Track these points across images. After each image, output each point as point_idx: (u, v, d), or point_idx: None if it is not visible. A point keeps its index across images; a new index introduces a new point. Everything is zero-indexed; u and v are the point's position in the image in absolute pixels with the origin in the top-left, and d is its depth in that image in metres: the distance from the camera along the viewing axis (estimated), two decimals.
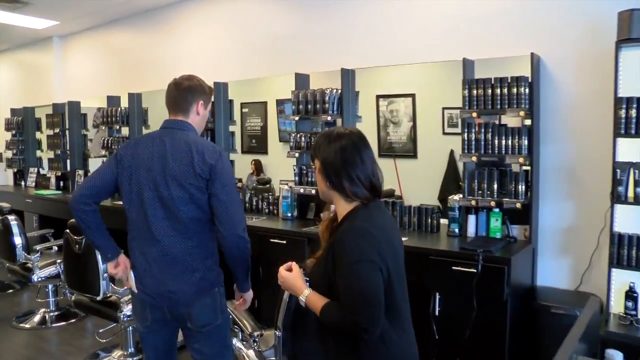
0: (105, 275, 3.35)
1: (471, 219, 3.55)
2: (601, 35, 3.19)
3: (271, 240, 3.87)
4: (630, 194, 2.91)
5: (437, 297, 3.19)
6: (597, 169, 3.28)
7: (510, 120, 3.52)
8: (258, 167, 6.16)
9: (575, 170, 3.42)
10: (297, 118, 4.21)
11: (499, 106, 3.36)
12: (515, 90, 3.29)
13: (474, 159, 3.45)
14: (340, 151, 1.68)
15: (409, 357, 1.77)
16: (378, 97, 5.46)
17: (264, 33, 4.92)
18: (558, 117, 3.44)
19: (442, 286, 3.18)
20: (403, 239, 3.43)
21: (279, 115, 6.30)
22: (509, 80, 3.31)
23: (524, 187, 3.33)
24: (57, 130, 6.69)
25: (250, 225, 4.07)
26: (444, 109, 5.45)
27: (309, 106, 4.12)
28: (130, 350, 3.73)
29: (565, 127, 3.44)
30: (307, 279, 1.78)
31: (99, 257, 3.37)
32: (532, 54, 3.30)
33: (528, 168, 3.37)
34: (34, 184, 7.12)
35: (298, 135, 4.23)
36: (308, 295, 1.69)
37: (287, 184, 4.38)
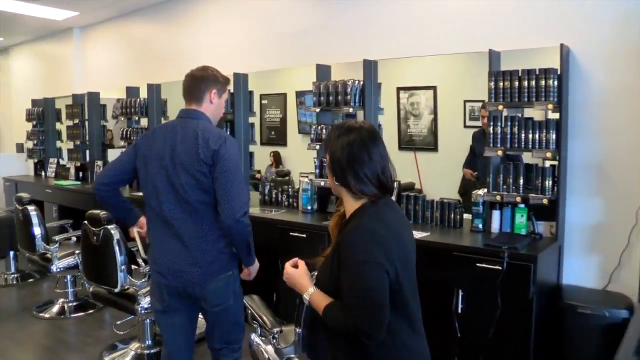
0: (123, 267, 3.33)
1: (495, 214, 3.45)
2: (634, 26, 3.07)
3: (291, 233, 3.82)
4: None
5: (460, 294, 3.11)
6: (627, 165, 3.17)
7: (535, 113, 3.42)
8: (277, 159, 6.13)
9: (604, 166, 3.30)
10: (318, 110, 4.13)
11: (526, 99, 3.25)
12: (543, 82, 3.18)
13: (500, 153, 3.35)
14: (347, 147, 1.63)
15: (421, 359, 1.72)
16: (399, 89, 5.39)
17: (285, 24, 4.85)
18: (587, 111, 3.32)
19: (465, 283, 3.10)
20: (424, 234, 3.43)
21: (298, 106, 6.26)
22: (537, 73, 3.20)
23: (550, 182, 3.22)
24: (76, 121, 6.70)
25: (269, 218, 4.08)
26: (465, 101, 5.38)
27: (330, 98, 4.04)
28: (147, 343, 3.71)
29: (594, 122, 3.31)
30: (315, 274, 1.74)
31: (116, 248, 3.36)
32: (561, 45, 3.18)
33: (555, 163, 3.27)
34: (53, 174, 7.16)
35: (319, 127, 4.16)
36: (312, 294, 1.65)
37: (307, 177, 4.32)
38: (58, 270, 4.33)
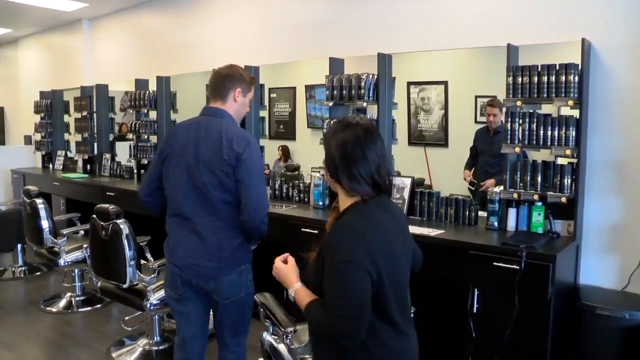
0: (132, 262, 3.28)
1: (512, 212, 3.37)
2: None
3: (303, 229, 3.76)
4: None
5: (476, 293, 3.04)
6: None
7: (551, 110, 3.33)
8: (285, 153, 6.08)
9: (625, 164, 3.21)
10: (331, 104, 4.06)
11: (545, 95, 3.16)
12: (563, 78, 3.09)
13: (517, 150, 3.28)
14: (341, 144, 1.61)
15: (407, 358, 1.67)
16: (409, 84, 5.32)
17: (298, 16, 4.77)
18: (608, 108, 3.23)
19: (481, 282, 3.02)
20: (439, 231, 3.35)
21: (308, 100, 6.21)
22: (557, 68, 3.11)
23: (569, 180, 3.14)
24: (84, 114, 6.66)
25: (281, 214, 4.01)
26: (476, 97, 5.31)
27: (344, 92, 3.97)
28: (156, 339, 3.67)
29: (615, 119, 3.22)
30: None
31: (125, 243, 3.31)
32: (583, 39, 3.09)
33: (572, 160, 3.19)
34: (61, 166, 7.13)
35: (331, 122, 4.08)
36: (297, 290, 1.64)
37: (319, 172, 4.25)
38: (66, 264, 4.29)
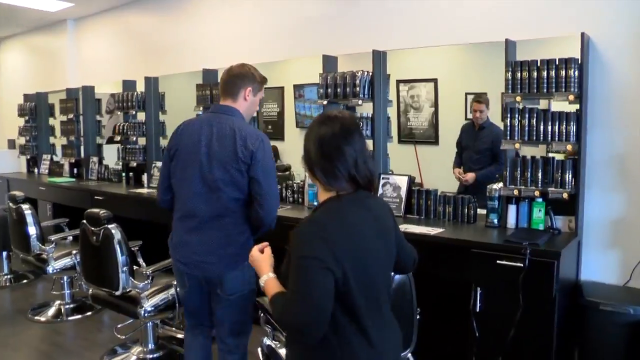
0: (125, 268, 3.18)
1: (511, 209, 3.32)
2: None
3: None
4: None
5: (479, 292, 2.98)
6: None
7: (547, 105, 3.30)
8: (275, 154, 5.99)
9: (626, 159, 3.18)
10: (325, 102, 3.98)
11: (545, 90, 3.12)
12: (563, 73, 3.05)
13: (517, 145, 3.23)
14: (317, 139, 1.59)
15: None
16: (398, 81, 5.30)
17: (289, 14, 4.68)
18: (608, 103, 3.19)
19: (484, 281, 2.96)
20: (439, 230, 3.29)
21: (297, 100, 6.16)
22: (557, 63, 3.07)
23: (570, 175, 3.10)
24: (70, 116, 6.51)
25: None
26: (467, 94, 5.30)
27: (338, 90, 3.89)
28: (150, 347, 3.56)
29: (615, 113, 3.19)
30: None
31: (117, 249, 3.20)
32: (582, 34, 3.05)
33: (574, 156, 3.15)
34: (47, 171, 6.98)
35: None
36: (267, 280, 1.64)
37: None
38: (54, 271, 4.16)
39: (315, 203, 4.05)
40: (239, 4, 5.11)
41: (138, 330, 3.58)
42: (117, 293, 3.21)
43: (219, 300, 2.49)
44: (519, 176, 3.25)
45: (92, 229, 3.28)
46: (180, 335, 3.85)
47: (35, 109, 7.14)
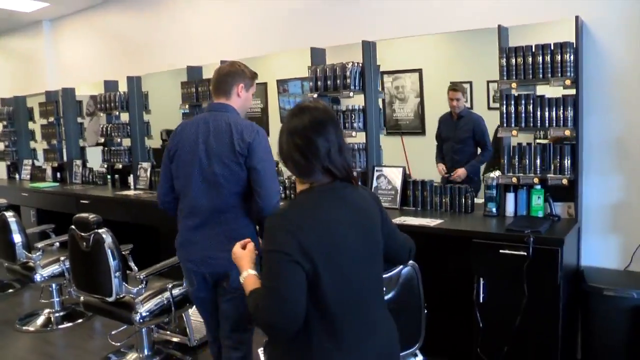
0: (118, 274, 3.07)
1: (510, 197, 3.29)
2: None
3: None
4: None
5: (481, 282, 2.94)
6: None
7: (544, 90, 3.26)
8: None
9: (623, 142, 3.16)
10: (315, 95, 3.90)
11: (541, 75, 3.08)
12: (559, 57, 3.02)
13: (515, 132, 3.19)
14: (290, 130, 1.56)
15: None
16: (382, 73, 5.26)
17: (273, 8, 4.57)
18: (603, 87, 3.17)
19: (487, 271, 2.92)
20: (438, 221, 3.24)
21: (281, 95, 6.10)
22: (552, 47, 3.04)
23: (569, 161, 3.07)
24: (51, 119, 6.35)
25: None
26: (452, 83, 5.26)
27: (328, 82, 3.82)
28: (146, 353, 3.45)
29: (611, 97, 3.16)
30: None
31: (109, 254, 3.09)
32: (577, 17, 3.01)
33: (573, 142, 3.12)
34: (29, 176, 6.80)
35: None
36: (246, 277, 1.61)
37: None
38: (42, 279, 4.02)
39: None
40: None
41: (133, 336, 3.47)
42: (111, 299, 3.10)
43: (224, 293, 2.48)
44: (517, 164, 3.21)
45: (82, 234, 3.17)
46: (175, 339, 3.76)
47: (13, 114, 6.96)
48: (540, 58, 3.07)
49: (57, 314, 4.32)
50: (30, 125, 7.01)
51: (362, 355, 1.55)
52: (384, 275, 2.12)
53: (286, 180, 4.29)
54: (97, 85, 5.89)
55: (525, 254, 2.74)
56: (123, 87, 5.47)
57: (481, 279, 2.93)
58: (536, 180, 3.15)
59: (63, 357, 3.77)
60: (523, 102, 3.15)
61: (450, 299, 3.19)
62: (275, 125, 6.03)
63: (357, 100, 3.83)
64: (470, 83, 5.47)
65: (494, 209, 3.33)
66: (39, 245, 4.05)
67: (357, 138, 3.81)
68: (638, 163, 3.11)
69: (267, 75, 5.92)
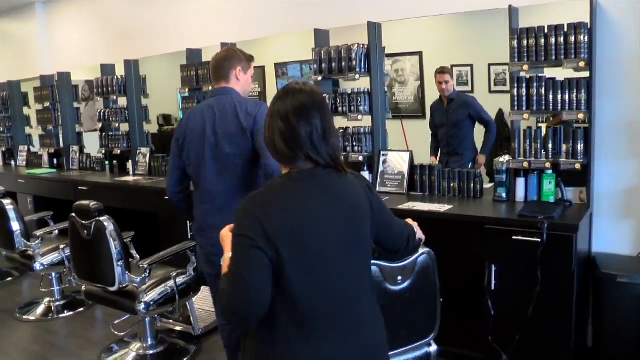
0: (120, 262, 3.00)
1: (520, 182, 3.22)
2: None
3: None
4: None
5: (493, 269, 2.88)
6: None
7: (553, 73, 3.18)
8: None
9: (636, 126, 3.08)
10: (319, 78, 3.80)
11: (553, 57, 2.99)
12: (573, 38, 2.93)
13: (527, 116, 3.11)
14: (270, 115, 1.52)
15: None
16: None
17: None
18: (617, 68, 3.08)
19: (499, 258, 2.86)
20: (448, 207, 3.17)
21: (280, 78, 6.02)
22: (566, 29, 2.94)
23: (582, 145, 3.00)
24: (47, 105, 6.20)
25: None
26: (452, 66, 5.22)
27: (333, 64, 3.71)
28: (150, 342, 3.40)
29: (625, 79, 3.07)
30: None
31: (111, 242, 3.01)
32: None
33: (586, 125, 3.04)
34: (25, 162, 6.68)
35: None
36: (224, 260, 1.51)
37: None
38: (42, 267, 3.95)
39: None
40: None
41: (136, 326, 3.41)
42: (113, 289, 3.03)
43: None
44: (529, 148, 3.13)
45: (82, 222, 3.08)
46: (179, 328, 3.70)
47: (7, 99, 6.82)
48: (553, 39, 2.98)
49: (57, 303, 4.26)
50: (25, 110, 6.86)
51: (335, 352, 1.47)
52: (400, 264, 2.07)
53: None
54: (93, 70, 5.75)
55: (539, 240, 2.68)
56: (120, 71, 5.34)
57: (493, 266, 2.88)
58: (548, 164, 3.07)
59: (65, 346, 3.71)
60: (535, 84, 3.07)
61: (460, 286, 3.13)
62: None
63: (359, 84, 3.74)
64: (472, 66, 5.40)
65: (504, 194, 3.26)
66: (38, 233, 3.97)
67: (362, 122, 3.72)
68: None
69: (264, 59, 5.83)
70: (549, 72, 3.20)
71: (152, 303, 3.04)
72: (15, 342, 3.77)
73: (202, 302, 3.81)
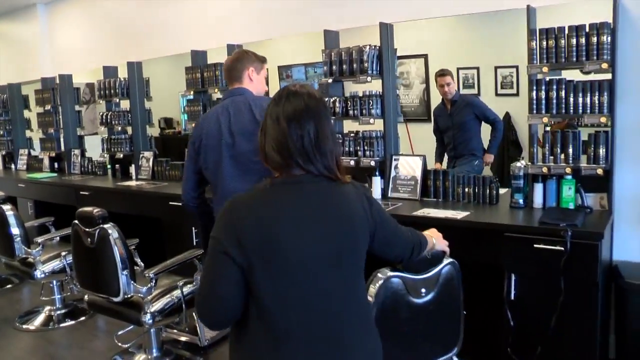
0: (125, 272, 2.88)
1: (538, 188, 3.11)
2: None
3: None
4: None
5: (513, 278, 2.77)
6: None
7: (571, 75, 3.08)
8: None
9: None
10: (330, 80, 3.69)
11: (574, 59, 2.89)
12: (595, 39, 2.82)
13: (546, 120, 3.00)
14: (267, 118, 1.45)
15: None
16: None
17: None
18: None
19: (519, 267, 2.75)
20: (464, 213, 3.05)
21: (284, 81, 5.95)
22: (587, 29, 2.84)
23: (604, 150, 2.89)
24: (47, 108, 6.10)
25: None
26: (458, 69, 5.13)
27: (344, 66, 3.61)
28: (155, 354, 3.28)
29: None
30: None
31: (116, 250, 2.89)
32: None
33: (607, 129, 2.94)
34: (25, 166, 6.58)
35: (330, 100, 3.71)
36: None
37: None
38: (43, 276, 3.83)
39: None
40: None
41: (140, 337, 3.29)
42: (117, 299, 2.91)
43: None
44: (548, 153, 3.03)
45: (86, 229, 2.97)
46: (185, 338, 3.58)
47: (7, 102, 6.72)
48: (574, 40, 2.88)
49: (58, 312, 4.14)
50: (26, 113, 6.78)
51: None
52: (423, 276, 1.96)
53: None
54: (95, 72, 5.65)
55: (562, 249, 2.57)
56: (123, 73, 5.24)
57: (512, 275, 2.77)
58: (568, 170, 2.96)
59: (66, 358, 3.59)
60: (555, 87, 2.96)
61: (478, 296, 3.02)
62: None
63: (366, 86, 3.64)
64: (478, 69, 5.32)
65: (521, 200, 3.15)
66: (39, 240, 3.85)
67: (374, 125, 3.61)
68: None
69: (268, 61, 5.72)
70: (566, 75, 3.10)
71: (157, 314, 2.92)
72: (14, 353, 3.65)
73: None
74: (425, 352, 2.03)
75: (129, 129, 5.27)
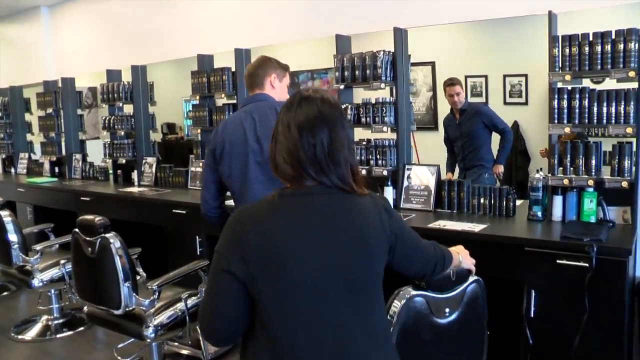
0: (127, 283, 2.75)
1: (557, 200, 2.99)
2: None
3: None
4: None
5: (533, 295, 2.64)
6: None
7: (589, 83, 2.98)
8: None
9: None
10: (342, 86, 3.58)
11: (599, 66, 2.78)
12: (621, 46, 2.71)
13: (568, 130, 2.89)
14: (279, 124, 1.36)
15: None
16: None
17: None
18: None
19: (540, 283, 2.63)
20: (482, 226, 2.91)
21: (291, 87, 5.81)
22: (614, 36, 2.73)
23: (629, 162, 2.78)
24: (49, 111, 6.01)
25: None
26: (466, 77, 5.05)
27: (357, 72, 3.49)
28: None
29: None
30: None
31: (117, 260, 2.76)
32: None
33: (631, 139, 2.83)
34: (25, 170, 6.48)
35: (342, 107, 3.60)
36: None
37: None
38: (41, 285, 3.69)
39: None
40: None
41: (141, 350, 3.16)
42: (118, 312, 2.78)
43: None
44: (568, 164, 2.91)
45: (86, 238, 2.84)
46: (187, 352, 3.45)
47: (8, 105, 6.63)
48: (599, 47, 2.77)
49: (56, 321, 4.01)
50: (27, 116, 6.69)
51: None
52: (447, 295, 1.83)
53: None
54: (98, 76, 5.55)
55: (587, 265, 2.44)
56: (127, 77, 5.15)
57: (532, 291, 2.64)
58: (590, 182, 2.84)
59: None
60: (577, 96, 2.85)
61: (495, 312, 2.89)
62: None
63: (378, 93, 3.54)
64: (486, 77, 5.23)
65: (539, 213, 3.03)
66: (37, 247, 3.72)
67: (387, 134, 3.50)
68: None
69: None
70: (586, 83, 3.00)
71: (160, 327, 2.79)
72: None
73: None
74: None
75: (132, 134, 5.16)
